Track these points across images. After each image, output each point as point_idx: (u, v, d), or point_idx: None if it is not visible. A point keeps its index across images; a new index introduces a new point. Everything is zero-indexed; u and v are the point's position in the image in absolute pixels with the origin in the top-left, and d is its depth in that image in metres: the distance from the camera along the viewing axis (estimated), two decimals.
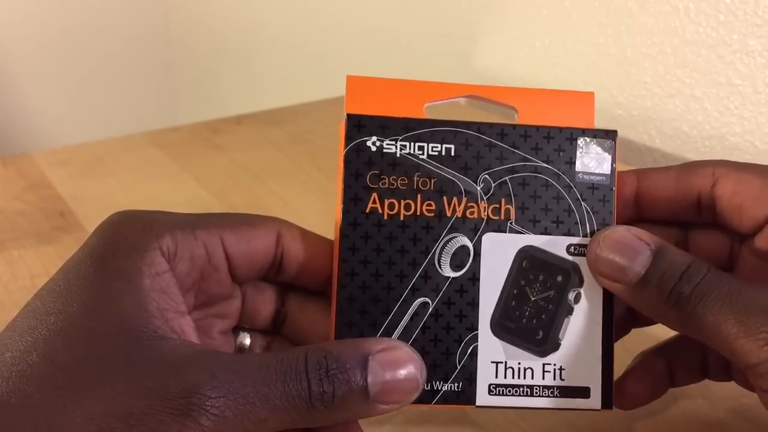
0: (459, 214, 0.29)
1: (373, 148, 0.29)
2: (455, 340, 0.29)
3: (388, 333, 0.28)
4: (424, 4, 0.86)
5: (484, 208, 0.29)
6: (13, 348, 0.23)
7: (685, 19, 0.61)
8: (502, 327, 0.29)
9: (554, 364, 0.29)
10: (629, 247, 0.28)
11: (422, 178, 0.29)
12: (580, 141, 0.30)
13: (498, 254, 0.29)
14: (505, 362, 0.29)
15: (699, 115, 0.62)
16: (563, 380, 0.29)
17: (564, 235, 0.29)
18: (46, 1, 1.30)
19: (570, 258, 0.29)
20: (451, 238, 0.29)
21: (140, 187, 0.59)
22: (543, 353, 0.29)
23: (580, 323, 0.29)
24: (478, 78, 0.80)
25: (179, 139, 0.68)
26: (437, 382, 0.29)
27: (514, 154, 0.29)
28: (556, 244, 0.29)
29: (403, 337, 0.28)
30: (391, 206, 0.29)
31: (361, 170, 0.29)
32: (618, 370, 0.31)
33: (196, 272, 0.27)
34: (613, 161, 0.30)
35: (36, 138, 1.34)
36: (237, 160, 0.64)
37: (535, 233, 0.29)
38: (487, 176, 0.29)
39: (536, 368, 0.29)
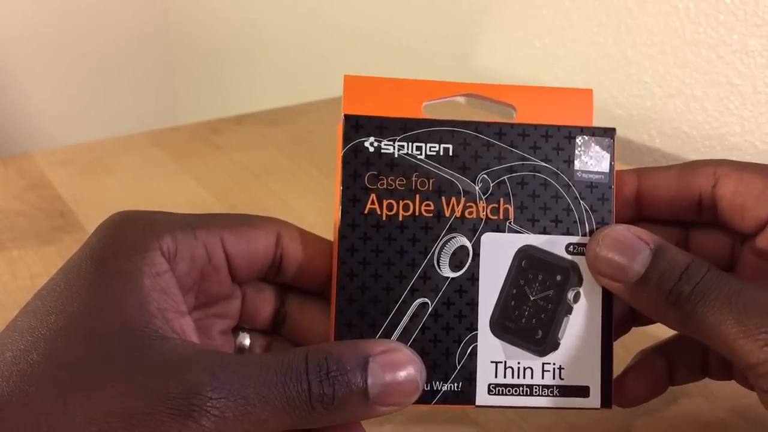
0: (458, 214, 0.29)
1: (371, 149, 0.29)
2: (455, 341, 0.29)
3: (387, 334, 0.28)
4: (424, 4, 0.86)
5: (483, 207, 0.29)
6: (14, 347, 0.23)
7: (685, 19, 0.61)
8: (501, 327, 0.29)
9: (554, 364, 0.29)
10: (629, 246, 0.28)
11: (420, 179, 0.29)
12: (579, 139, 0.30)
13: (497, 254, 0.29)
14: (505, 362, 0.29)
15: (699, 115, 0.62)
16: (563, 379, 0.29)
17: (563, 234, 0.29)
18: (46, 1, 1.30)
19: (569, 257, 0.29)
20: (450, 239, 0.29)
21: (140, 187, 0.59)
22: (542, 353, 0.29)
23: (580, 322, 0.29)
24: (478, 78, 0.80)
25: (179, 139, 0.68)
26: (437, 383, 0.29)
27: (512, 154, 0.29)
28: (555, 244, 0.29)
29: (403, 337, 0.28)
30: (390, 207, 0.29)
31: (360, 171, 0.29)
32: (617, 370, 0.31)
33: (196, 272, 0.27)
34: (612, 159, 0.30)
35: (36, 138, 1.34)
36: (237, 160, 0.64)
37: (534, 233, 0.29)
38: (485, 176, 0.29)
39: (536, 368, 0.29)
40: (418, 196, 0.29)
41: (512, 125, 0.30)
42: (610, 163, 0.30)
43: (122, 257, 0.25)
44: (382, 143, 0.29)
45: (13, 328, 0.24)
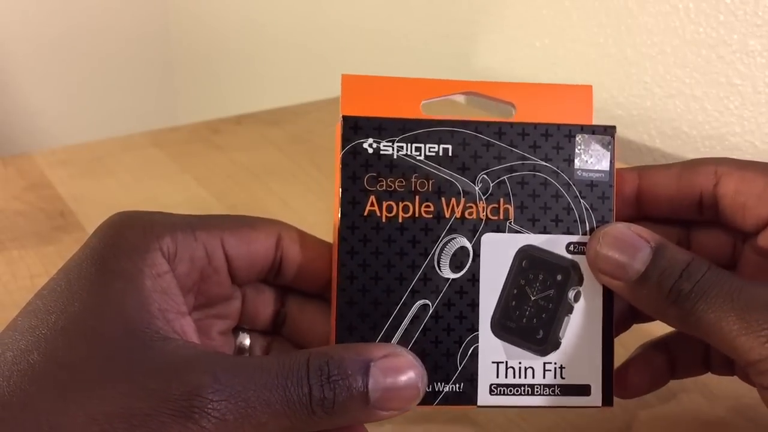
0: (458, 214, 0.29)
1: (370, 150, 0.29)
2: (456, 341, 0.29)
3: (388, 336, 0.28)
4: (424, 4, 0.86)
5: (483, 208, 0.29)
6: (14, 347, 0.23)
7: (685, 19, 0.61)
8: (502, 327, 0.29)
9: (555, 363, 0.29)
10: (629, 244, 0.28)
11: (420, 180, 0.29)
12: (579, 138, 0.30)
13: (497, 254, 0.29)
14: (506, 362, 0.29)
15: (699, 115, 0.62)
16: (564, 379, 0.29)
17: (563, 233, 0.29)
18: (46, 1, 1.30)
19: (569, 256, 0.29)
20: (450, 239, 0.29)
21: (140, 187, 0.59)
22: (543, 352, 0.29)
23: (580, 322, 0.29)
24: (478, 78, 0.79)
25: (179, 139, 0.68)
26: (438, 384, 0.29)
27: (512, 153, 0.29)
28: (556, 243, 0.29)
29: (404, 339, 0.28)
30: (389, 208, 0.29)
31: (358, 173, 0.29)
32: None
33: (196, 273, 0.27)
34: (612, 157, 0.30)
35: (36, 138, 1.34)
36: (237, 160, 0.64)
37: (535, 232, 0.29)
38: (485, 176, 0.29)
39: (537, 367, 0.29)
40: (417, 197, 0.29)
41: (512, 124, 0.29)
42: (611, 162, 0.30)
43: (123, 258, 0.25)
44: (381, 144, 0.29)
45: (13, 327, 0.24)
